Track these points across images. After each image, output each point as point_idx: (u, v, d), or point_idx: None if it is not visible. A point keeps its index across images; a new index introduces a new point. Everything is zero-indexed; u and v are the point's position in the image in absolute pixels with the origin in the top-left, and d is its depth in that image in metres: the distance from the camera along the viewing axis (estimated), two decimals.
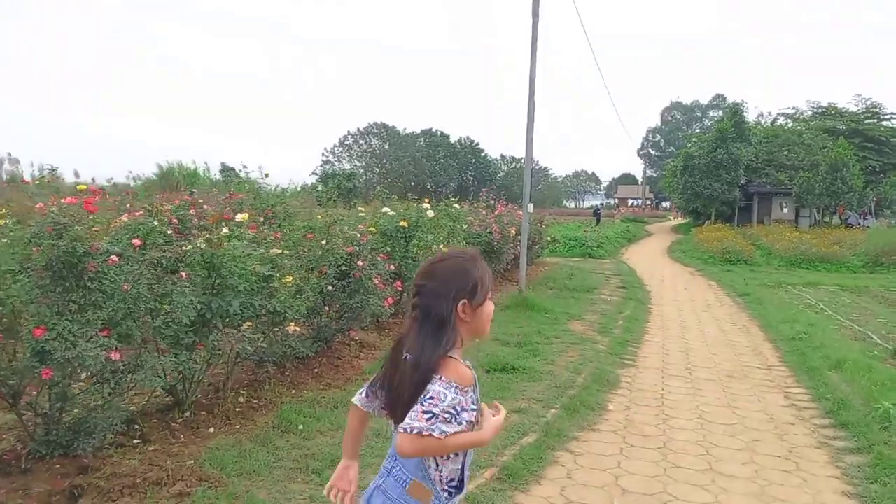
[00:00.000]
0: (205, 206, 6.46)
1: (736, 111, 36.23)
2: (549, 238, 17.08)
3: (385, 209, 8.01)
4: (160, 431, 4.03)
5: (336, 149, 71.87)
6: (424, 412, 1.57)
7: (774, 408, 5.52)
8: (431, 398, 1.58)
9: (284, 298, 4.69)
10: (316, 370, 5.71)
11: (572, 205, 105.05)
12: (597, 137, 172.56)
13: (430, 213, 8.08)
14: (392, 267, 6.74)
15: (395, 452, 1.70)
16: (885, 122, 40.38)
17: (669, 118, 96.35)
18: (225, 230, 4.80)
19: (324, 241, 6.09)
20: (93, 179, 13.37)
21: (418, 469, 1.68)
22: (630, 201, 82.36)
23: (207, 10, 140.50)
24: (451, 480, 1.73)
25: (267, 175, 8.19)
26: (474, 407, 1.67)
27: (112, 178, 9.70)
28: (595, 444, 4.49)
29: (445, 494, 1.71)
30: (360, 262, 5.90)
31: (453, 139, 78.80)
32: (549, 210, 70.67)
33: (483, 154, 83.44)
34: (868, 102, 41.05)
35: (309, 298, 5.44)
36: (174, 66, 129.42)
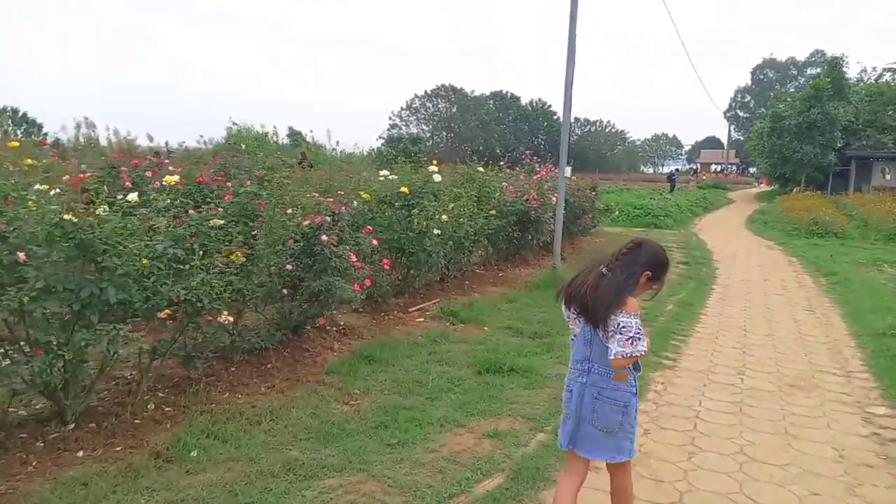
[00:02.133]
0: (170, 168, 5.61)
1: (835, 66, 32.52)
2: (603, 206, 15.51)
3: (384, 172, 6.95)
4: (15, 453, 3.20)
5: (403, 112, 71.00)
6: (627, 339, 2.37)
7: (848, 439, 4.15)
8: (625, 328, 2.37)
9: (198, 283, 3.74)
10: (269, 366, 4.79)
11: (650, 170, 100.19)
12: (679, 99, 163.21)
13: (438, 178, 6.94)
14: (376, 241, 5.69)
15: (592, 356, 2.53)
16: None
17: (761, 77, 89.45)
18: (132, 196, 3.88)
19: (290, 210, 5.12)
20: (165, 143, 12.82)
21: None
22: (713, 166, 77.50)
23: (207, 10, 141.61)
24: (632, 369, 2.53)
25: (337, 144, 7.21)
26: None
27: (184, 142, 9.13)
28: (584, 494, 3.33)
29: (632, 374, 2.54)
30: (324, 237, 4.88)
31: (524, 101, 76.26)
32: (622, 176, 67.59)
33: (556, 117, 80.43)
34: None
35: (259, 279, 4.51)
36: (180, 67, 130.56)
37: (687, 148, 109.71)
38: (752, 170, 67.97)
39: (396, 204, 6.70)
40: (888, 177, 33.19)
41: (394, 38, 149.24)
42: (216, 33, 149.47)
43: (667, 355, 5.97)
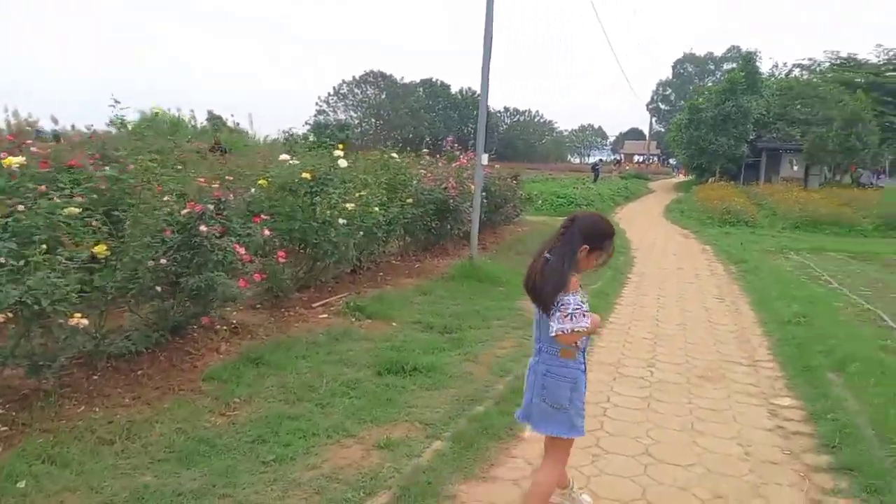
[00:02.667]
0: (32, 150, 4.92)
1: (749, 60, 33.93)
2: (526, 195, 15.45)
3: (284, 156, 6.44)
4: None
5: (331, 98, 69.36)
6: (565, 315, 2.45)
7: (754, 433, 4.05)
8: (563, 305, 2.46)
9: (37, 282, 3.20)
10: (140, 372, 4.26)
11: (577, 160, 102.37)
12: (604, 90, 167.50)
13: (343, 163, 6.49)
14: (269, 231, 5.21)
15: (542, 336, 2.65)
16: None
17: (681, 71, 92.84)
18: None
19: (167, 198, 4.57)
20: (72, 126, 11.56)
21: (559, 345, 2.58)
22: (636, 157, 79.97)
23: (207, 10, 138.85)
24: (579, 346, 2.66)
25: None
26: (584, 300, 2.53)
27: (92, 125, 8.17)
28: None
29: (580, 351, 2.68)
30: (202, 228, 4.38)
31: (454, 90, 76.04)
32: (550, 165, 68.61)
33: None
34: (890, 53, 38.47)
35: (124, 275, 3.97)
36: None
37: (612, 139, 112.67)
38: (671, 161, 70.54)
39: (299, 191, 6.21)
40: (795, 168, 35.00)
41: (394, 38, 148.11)
42: (216, 33, 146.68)
43: None
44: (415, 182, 9.32)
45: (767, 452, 3.77)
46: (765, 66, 42.05)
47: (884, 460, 3.46)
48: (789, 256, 13.21)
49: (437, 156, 13.18)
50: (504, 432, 3.79)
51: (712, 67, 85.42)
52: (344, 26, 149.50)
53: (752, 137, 34.74)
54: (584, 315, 2.46)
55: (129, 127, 7.09)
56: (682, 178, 47.74)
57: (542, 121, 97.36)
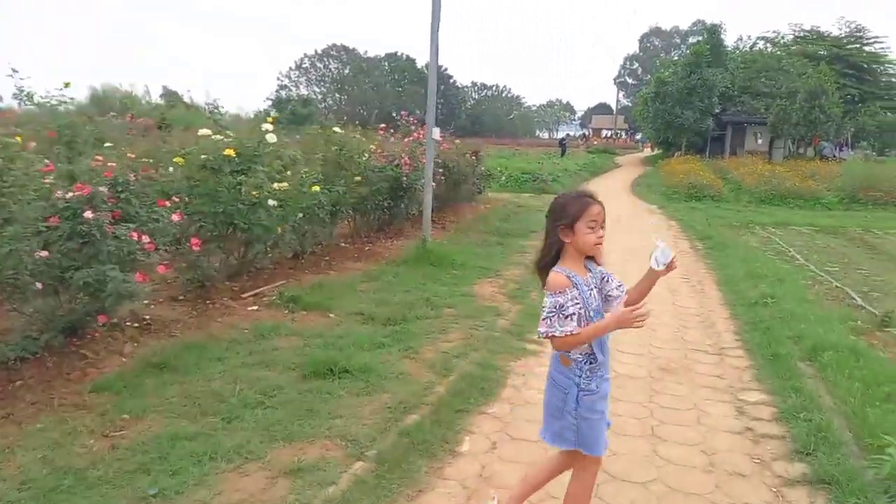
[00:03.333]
0: None
1: (713, 33, 33.69)
2: (488, 172, 14.90)
3: (204, 130, 5.77)
4: None
5: (292, 73, 67.41)
6: (543, 318, 2.24)
7: (720, 438, 3.63)
8: (543, 307, 2.26)
9: None
10: (19, 383, 3.65)
11: (546, 135, 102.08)
12: (573, 64, 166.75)
13: (272, 138, 5.85)
14: (177, 217, 4.58)
15: None
16: (867, 48, 38.12)
17: (648, 45, 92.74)
18: None
19: (48, 180, 3.92)
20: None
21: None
22: (604, 132, 79.93)
23: (207, 10, 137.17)
24: (582, 354, 2.31)
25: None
26: (577, 302, 2.22)
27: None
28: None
29: (581, 360, 2.32)
30: (88, 213, 3.74)
31: (420, 64, 74.59)
32: (519, 140, 68.12)
33: (452, 81, 79.62)
34: (852, 26, 38.65)
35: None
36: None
37: (580, 113, 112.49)
38: (638, 135, 70.63)
39: (223, 170, 5.57)
40: (759, 141, 35.15)
41: (392, 37, 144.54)
42: (216, 33, 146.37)
43: (533, 339, 5.33)
44: (364, 159, 8.71)
45: (735, 461, 3.34)
46: (729, 39, 42.09)
47: (864, 472, 3.05)
48: (755, 231, 12.97)
49: (394, 131, 12.55)
50: (439, 447, 3.30)
51: (678, 41, 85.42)
52: (344, 27, 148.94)
53: (717, 111, 34.70)
54: (565, 318, 2.19)
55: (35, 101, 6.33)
56: (648, 152, 47.72)
57: (509, 96, 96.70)
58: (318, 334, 4.91)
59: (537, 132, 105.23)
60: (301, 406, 3.64)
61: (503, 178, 18.73)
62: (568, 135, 59.15)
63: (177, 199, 4.78)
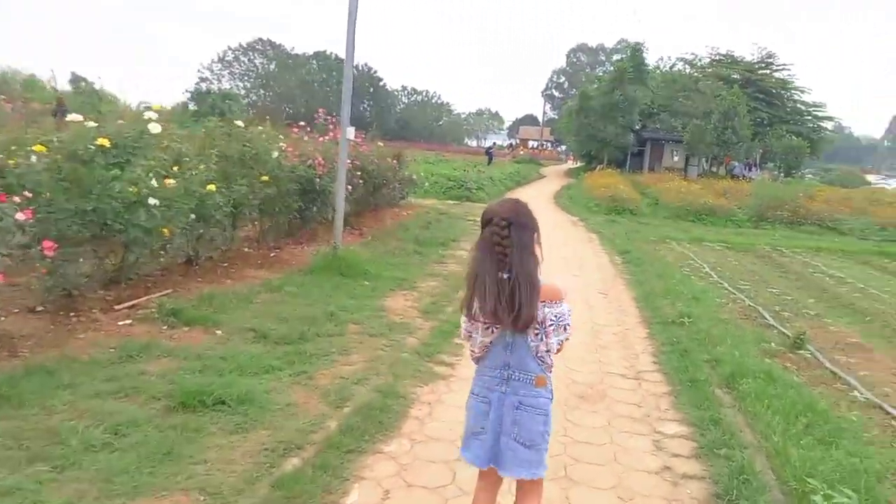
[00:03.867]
0: None
1: (636, 51, 34.73)
2: (411, 177, 14.46)
3: (74, 116, 5.04)
4: None
5: (214, 65, 64.72)
6: (569, 325, 2.30)
7: (637, 479, 3.31)
8: (560, 316, 2.27)
9: None
10: None
11: (474, 143, 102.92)
12: (502, 76, 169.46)
13: (156, 128, 5.16)
14: (25, 215, 3.86)
15: (512, 363, 2.25)
16: (776, 74, 40.40)
17: (574, 60, 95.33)
18: None
19: None
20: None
21: (539, 367, 2.26)
22: (531, 143, 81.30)
23: (207, 10, 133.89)
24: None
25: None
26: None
27: None
28: None
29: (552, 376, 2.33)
30: None
31: None
32: (448, 147, 68.10)
33: (382, 83, 78.89)
34: (764, 52, 40.87)
35: None
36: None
37: (508, 123, 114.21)
38: (563, 147, 72.27)
39: (96, 162, 4.85)
40: (676, 158, 36.47)
41: (322, 36, 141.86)
42: (216, 33, 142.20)
43: (443, 360, 4.91)
44: (275, 156, 8.07)
45: None
46: (651, 59, 43.53)
47: None
48: (672, 247, 13.15)
49: (310, 130, 11.93)
50: (319, 500, 2.80)
51: (603, 59, 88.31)
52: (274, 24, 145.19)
53: (637, 127, 35.78)
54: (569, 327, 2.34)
55: None
56: (572, 164, 48.76)
57: (439, 102, 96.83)
58: (198, 355, 4.29)
59: (466, 140, 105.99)
60: (159, 448, 3.05)
61: (426, 184, 18.31)
62: (494, 143, 59.63)
63: (28, 195, 4.05)
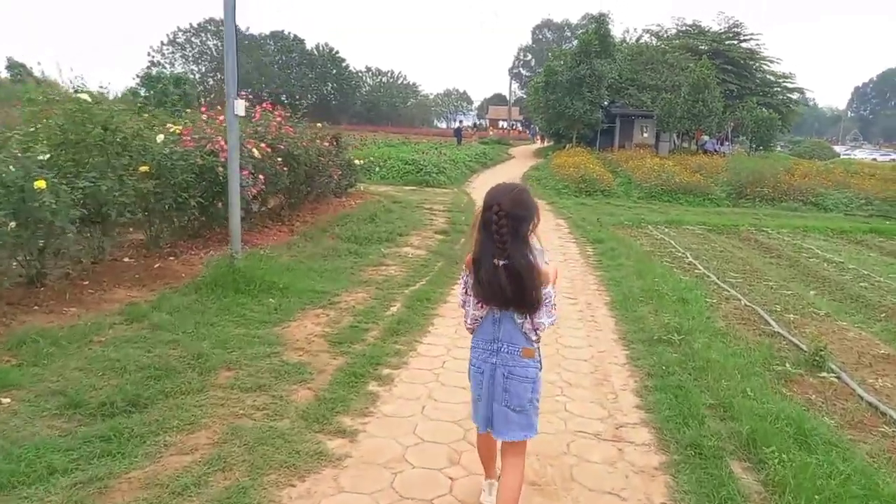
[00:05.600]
0: None
1: (601, 22, 33.15)
2: (353, 162, 12.82)
3: None
4: None
5: (165, 48, 61.52)
6: (555, 307, 2.46)
7: None
8: (548, 297, 2.37)
9: None
10: None
11: (444, 125, 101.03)
12: (470, 54, 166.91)
13: None
14: None
15: (502, 336, 2.43)
16: (744, 44, 39.34)
17: (540, 37, 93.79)
18: None
19: None
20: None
21: (526, 341, 2.42)
22: (501, 123, 79.77)
23: None
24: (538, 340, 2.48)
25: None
26: None
27: None
28: None
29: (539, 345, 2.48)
30: None
31: (309, 45, 70.80)
32: (415, 129, 66.22)
33: (345, 64, 76.47)
34: (731, 21, 39.77)
35: None
36: None
37: (477, 104, 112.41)
38: (533, 126, 70.95)
39: None
40: (646, 134, 35.30)
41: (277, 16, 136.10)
42: (167, 12, 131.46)
43: (343, 425, 3.42)
44: (160, 140, 6.45)
45: None
46: (617, 31, 42.20)
47: None
48: (648, 231, 11.82)
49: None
50: None
51: (569, 35, 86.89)
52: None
53: (606, 103, 34.42)
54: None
55: None
56: (539, 144, 47.41)
57: (405, 83, 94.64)
58: None
59: (435, 122, 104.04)
60: None
61: (378, 168, 16.67)
62: (461, 121, 58.07)
63: None
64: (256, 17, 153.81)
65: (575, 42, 48.66)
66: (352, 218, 10.49)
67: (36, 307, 4.79)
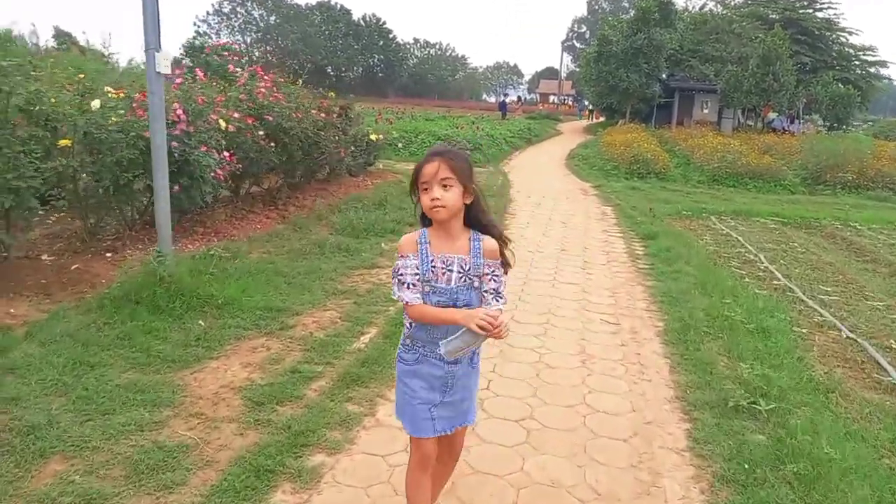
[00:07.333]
0: None
1: None
2: (377, 136, 11.32)
3: None
4: None
5: (211, 18, 60.97)
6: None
7: None
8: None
9: None
10: None
11: (493, 99, 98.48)
12: (523, 26, 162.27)
13: None
14: None
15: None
16: (819, 13, 35.80)
17: (596, 7, 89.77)
18: None
19: None
20: None
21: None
22: (552, 97, 76.91)
23: None
24: (419, 340, 2.03)
25: None
26: (415, 271, 1.93)
27: None
28: None
29: (409, 341, 2.07)
30: None
31: (356, 16, 69.22)
32: (462, 103, 64.28)
33: (392, 36, 74.77)
34: None
35: None
36: None
37: (528, 77, 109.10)
38: (585, 102, 68.00)
39: None
40: (706, 110, 32.60)
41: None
42: None
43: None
44: (95, 108, 5.10)
45: None
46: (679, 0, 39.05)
47: None
48: (710, 224, 9.98)
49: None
50: None
51: (626, 5, 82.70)
52: None
53: (664, 76, 31.84)
54: (402, 284, 1.96)
55: None
56: (586, 120, 44.95)
57: (454, 55, 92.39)
58: None
59: (483, 95, 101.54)
60: None
61: (399, 145, 15.10)
62: (506, 94, 55.98)
63: None
64: None
65: (632, 12, 45.76)
66: (360, 202, 9.03)
67: None
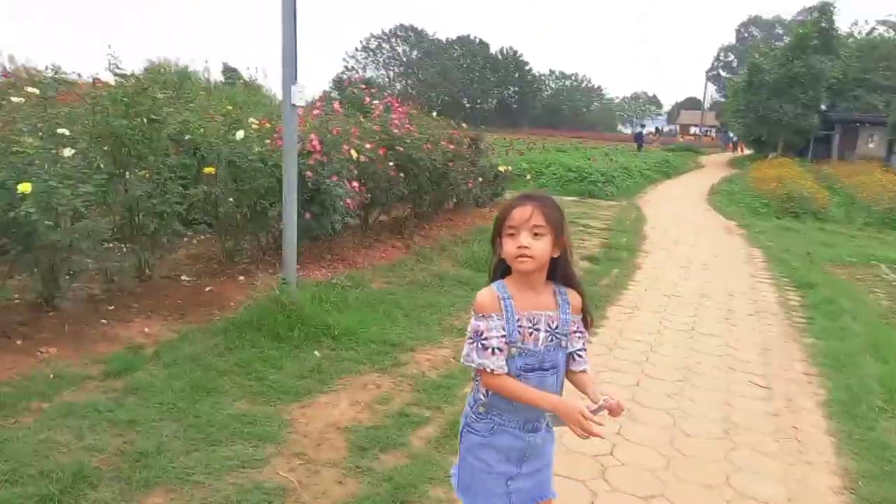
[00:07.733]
0: None
1: (824, 12, 28.09)
2: (506, 169, 11.17)
3: None
4: None
5: (358, 54, 64.82)
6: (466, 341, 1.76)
7: None
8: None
9: None
10: None
11: (629, 130, 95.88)
12: (661, 55, 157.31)
13: None
14: None
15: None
16: None
17: (745, 35, 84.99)
18: None
19: None
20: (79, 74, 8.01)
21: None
22: (693, 129, 73.49)
23: None
24: (496, 409, 1.79)
25: None
26: (502, 333, 1.70)
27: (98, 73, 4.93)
28: None
29: (482, 409, 1.82)
30: None
31: (493, 49, 70.55)
32: (597, 134, 63.07)
33: (528, 67, 75.32)
34: None
35: None
36: None
37: (667, 108, 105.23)
38: (730, 134, 64.16)
39: None
40: (871, 145, 29.44)
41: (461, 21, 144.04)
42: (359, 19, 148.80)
43: None
44: (239, 138, 5.36)
45: None
46: (842, 24, 35.85)
47: None
48: (881, 274, 8.73)
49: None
50: None
51: (780, 32, 77.54)
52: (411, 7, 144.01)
53: (824, 107, 29.17)
54: (485, 350, 1.69)
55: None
56: (730, 153, 42.17)
57: (589, 86, 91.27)
58: None
59: (619, 126, 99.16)
60: None
61: (528, 176, 14.83)
62: (643, 125, 54.20)
63: None
64: (443, 24, 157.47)
65: (786, 39, 42.64)
66: (484, 234, 8.86)
67: (20, 341, 3.79)
